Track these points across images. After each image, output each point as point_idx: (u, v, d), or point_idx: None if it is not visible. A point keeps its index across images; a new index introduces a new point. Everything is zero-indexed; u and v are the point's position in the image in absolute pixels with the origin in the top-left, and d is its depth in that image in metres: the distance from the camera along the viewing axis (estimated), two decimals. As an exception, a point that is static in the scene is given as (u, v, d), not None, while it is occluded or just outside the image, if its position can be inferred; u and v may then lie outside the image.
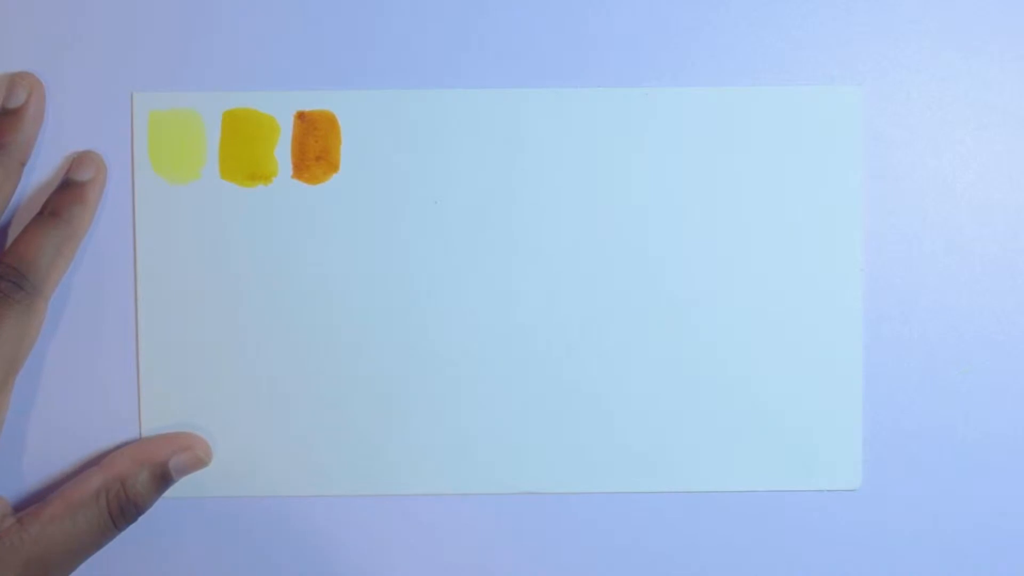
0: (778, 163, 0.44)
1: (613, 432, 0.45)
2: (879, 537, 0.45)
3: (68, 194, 0.43)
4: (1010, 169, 0.45)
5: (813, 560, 0.45)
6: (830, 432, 0.45)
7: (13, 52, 0.44)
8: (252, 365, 0.44)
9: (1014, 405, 0.45)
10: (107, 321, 0.44)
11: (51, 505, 0.41)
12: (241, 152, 0.44)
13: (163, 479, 0.43)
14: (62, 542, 0.41)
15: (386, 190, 0.44)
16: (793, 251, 0.44)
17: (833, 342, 0.44)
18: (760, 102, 0.44)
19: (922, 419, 0.45)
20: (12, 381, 0.42)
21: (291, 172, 0.44)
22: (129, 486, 0.42)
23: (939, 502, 0.45)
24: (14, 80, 0.43)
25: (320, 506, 0.45)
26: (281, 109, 0.44)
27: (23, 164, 0.43)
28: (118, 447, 0.44)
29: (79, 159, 0.44)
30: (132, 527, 0.43)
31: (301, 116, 0.44)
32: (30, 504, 0.44)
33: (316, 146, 0.44)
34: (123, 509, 0.42)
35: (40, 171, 0.44)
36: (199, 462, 0.44)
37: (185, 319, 0.44)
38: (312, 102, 0.44)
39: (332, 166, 0.44)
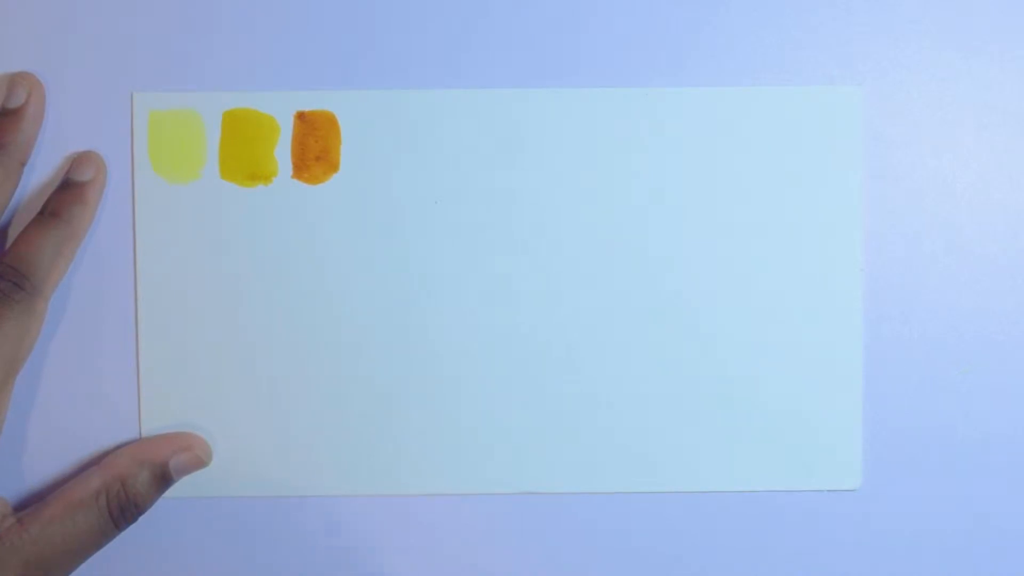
0: (778, 163, 0.44)
1: (613, 432, 0.45)
2: (879, 537, 0.45)
3: (68, 194, 0.43)
4: (1010, 169, 0.45)
5: (813, 560, 0.45)
6: (830, 432, 0.45)
7: (13, 52, 0.44)
8: (252, 365, 0.44)
9: (1014, 405, 0.45)
10: (107, 321, 0.44)
11: (51, 505, 0.41)
12: (241, 152, 0.44)
13: (163, 479, 0.43)
14: (62, 542, 0.41)
15: (386, 190, 0.44)
16: (793, 251, 0.44)
17: (833, 342, 0.44)
18: (760, 102, 0.44)
19: (922, 419, 0.45)
20: (12, 381, 0.42)
21: (291, 172, 0.44)
22: (129, 486, 0.42)
23: (939, 502, 0.45)
24: (14, 80, 0.43)
25: (320, 506, 0.45)
26: (281, 109, 0.44)
27: (23, 164, 0.43)
28: (118, 447, 0.44)
29: (79, 159, 0.43)
30: (132, 527, 0.43)
31: (301, 116, 0.44)
32: (30, 504, 0.44)
33: (316, 146, 0.44)
34: (123, 509, 0.42)
35: (40, 171, 0.44)
36: (199, 462, 0.44)
37: (185, 319, 0.44)
38: (312, 102, 0.44)
39: (332, 166, 0.44)
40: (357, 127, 0.44)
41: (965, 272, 0.45)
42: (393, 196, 0.44)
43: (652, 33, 0.44)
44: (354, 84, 0.44)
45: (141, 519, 0.43)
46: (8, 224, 0.44)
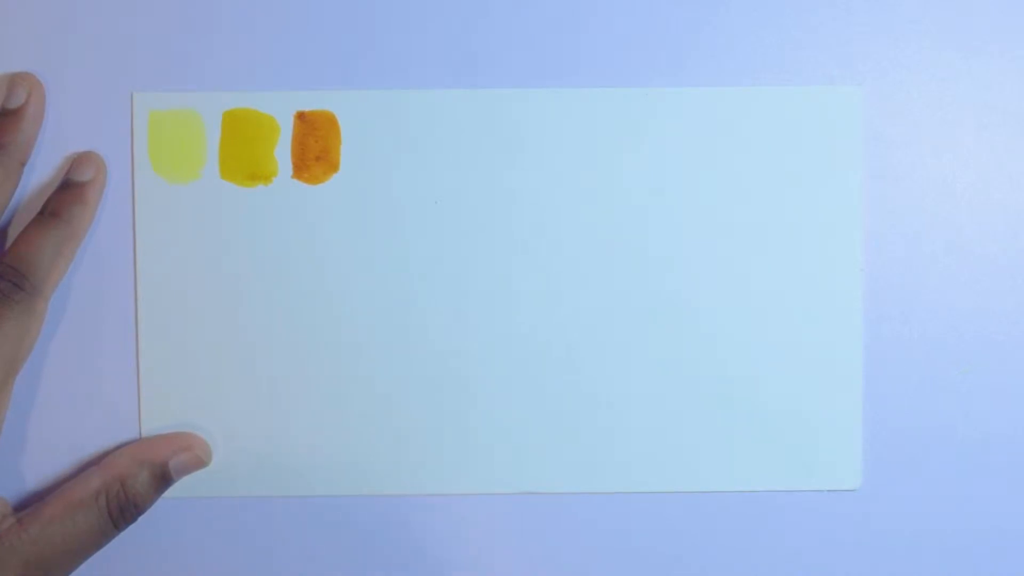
0: (778, 163, 0.44)
1: (613, 432, 0.45)
2: (879, 537, 0.45)
3: (68, 194, 0.43)
4: (1010, 169, 0.45)
5: (813, 560, 0.45)
6: (830, 432, 0.45)
7: (13, 52, 0.44)
8: (252, 365, 0.44)
9: (1014, 405, 0.45)
10: (107, 321, 0.44)
11: (51, 505, 0.41)
12: (241, 152, 0.44)
13: (163, 479, 0.43)
14: (62, 542, 0.41)
15: (386, 190, 0.44)
16: (793, 251, 0.44)
17: (833, 342, 0.44)
18: (760, 102, 0.44)
19: (922, 419, 0.45)
20: (12, 381, 0.42)
21: (291, 172, 0.44)
22: (129, 486, 0.42)
23: (939, 502, 0.45)
24: (14, 80, 0.43)
25: (320, 506, 0.45)
26: (281, 109, 0.44)
27: (23, 164, 0.43)
28: (118, 447, 0.44)
29: (79, 159, 0.44)
30: (132, 527, 0.43)
31: (301, 116, 0.44)
32: (30, 504, 0.44)
33: (316, 146, 0.44)
34: (123, 509, 0.42)
35: (40, 171, 0.44)
36: (199, 462, 0.44)
37: (185, 319, 0.44)
38: (312, 102, 0.44)
39: (332, 166, 0.44)
40: (357, 127, 0.44)
41: (965, 272, 0.45)
42: (393, 196, 0.44)
43: (652, 33, 0.44)
44: (354, 84, 0.44)
45: (141, 519, 0.43)
46: (8, 224, 0.44)
